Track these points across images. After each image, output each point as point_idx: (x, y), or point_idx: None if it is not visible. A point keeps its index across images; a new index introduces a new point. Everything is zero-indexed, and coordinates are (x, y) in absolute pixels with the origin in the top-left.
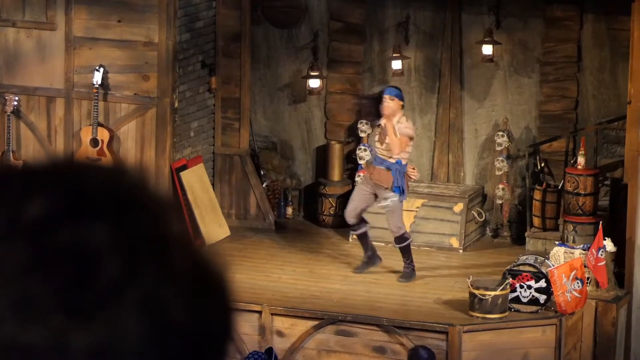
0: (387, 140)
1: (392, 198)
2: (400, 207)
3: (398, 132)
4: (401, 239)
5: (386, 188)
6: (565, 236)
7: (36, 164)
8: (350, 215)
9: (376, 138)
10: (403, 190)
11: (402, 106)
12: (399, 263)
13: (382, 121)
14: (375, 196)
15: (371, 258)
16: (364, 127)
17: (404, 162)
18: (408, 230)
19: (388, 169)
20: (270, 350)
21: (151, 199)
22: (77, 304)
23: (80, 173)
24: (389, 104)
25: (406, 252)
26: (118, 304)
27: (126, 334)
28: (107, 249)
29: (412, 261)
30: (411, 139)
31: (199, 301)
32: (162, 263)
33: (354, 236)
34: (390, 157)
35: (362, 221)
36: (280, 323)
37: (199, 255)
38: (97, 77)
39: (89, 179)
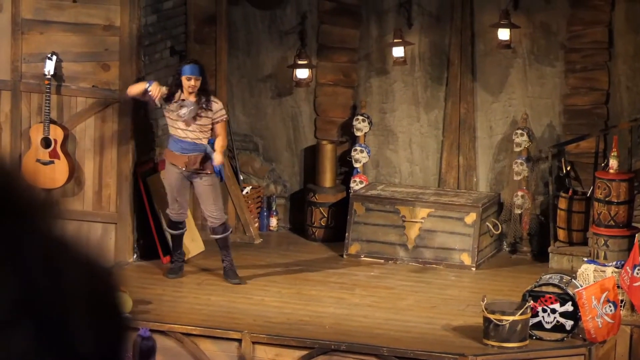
0: (200, 122)
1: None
2: (219, 187)
3: (220, 121)
4: (225, 227)
5: (209, 173)
6: (595, 252)
7: None
8: (182, 211)
9: (179, 117)
10: (221, 172)
11: (203, 82)
12: (401, 283)
13: (184, 97)
14: (191, 183)
15: (184, 261)
16: (360, 125)
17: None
18: (412, 244)
19: (203, 152)
20: None
21: (26, 199)
22: None
23: None
24: (196, 84)
25: (227, 244)
26: (9, 323)
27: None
28: None
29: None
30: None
31: (97, 319)
32: (54, 272)
33: (173, 234)
34: (202, 140)
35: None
36: (264, 353)
37: (91, 264)
38: (49, 67)
39: None
